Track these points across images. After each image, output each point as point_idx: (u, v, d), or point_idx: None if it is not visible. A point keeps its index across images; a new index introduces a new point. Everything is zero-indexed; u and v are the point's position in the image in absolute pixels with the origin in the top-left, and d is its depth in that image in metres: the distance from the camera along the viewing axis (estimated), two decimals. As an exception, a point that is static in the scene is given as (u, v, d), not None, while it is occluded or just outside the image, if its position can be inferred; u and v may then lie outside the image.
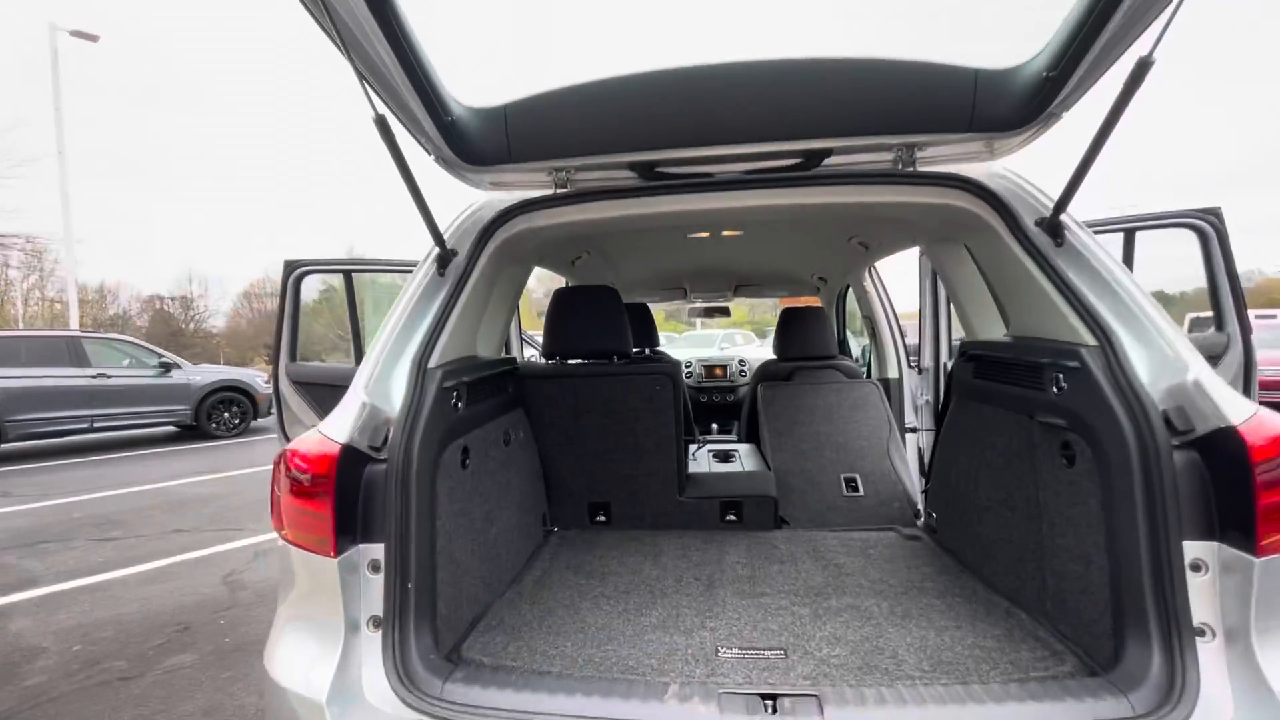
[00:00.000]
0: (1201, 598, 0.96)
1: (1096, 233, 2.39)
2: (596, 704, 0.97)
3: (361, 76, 1.16)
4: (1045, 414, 1.29)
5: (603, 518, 2.09)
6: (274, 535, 1.16)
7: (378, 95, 1.22)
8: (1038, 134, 1.38)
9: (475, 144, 1.39)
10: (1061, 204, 1.28)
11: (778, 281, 3.92)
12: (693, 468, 2.45)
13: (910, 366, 2.89)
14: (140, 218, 51.83)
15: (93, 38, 14.10)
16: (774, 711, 0.96)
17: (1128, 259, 2.46)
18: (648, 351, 3.25)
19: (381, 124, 1.20)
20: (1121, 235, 2.39)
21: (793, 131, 1.37)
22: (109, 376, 8.87)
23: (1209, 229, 2.18)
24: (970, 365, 1.66)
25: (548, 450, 2.00)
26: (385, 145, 1.22)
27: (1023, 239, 1.32)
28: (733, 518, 2.08)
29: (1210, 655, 0.94)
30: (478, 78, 1.33)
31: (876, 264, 2.96)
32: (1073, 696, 0.95)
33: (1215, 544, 0.97)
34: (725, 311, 4.95)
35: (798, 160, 1.45)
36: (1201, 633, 0.95)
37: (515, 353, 2.89)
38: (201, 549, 4.33)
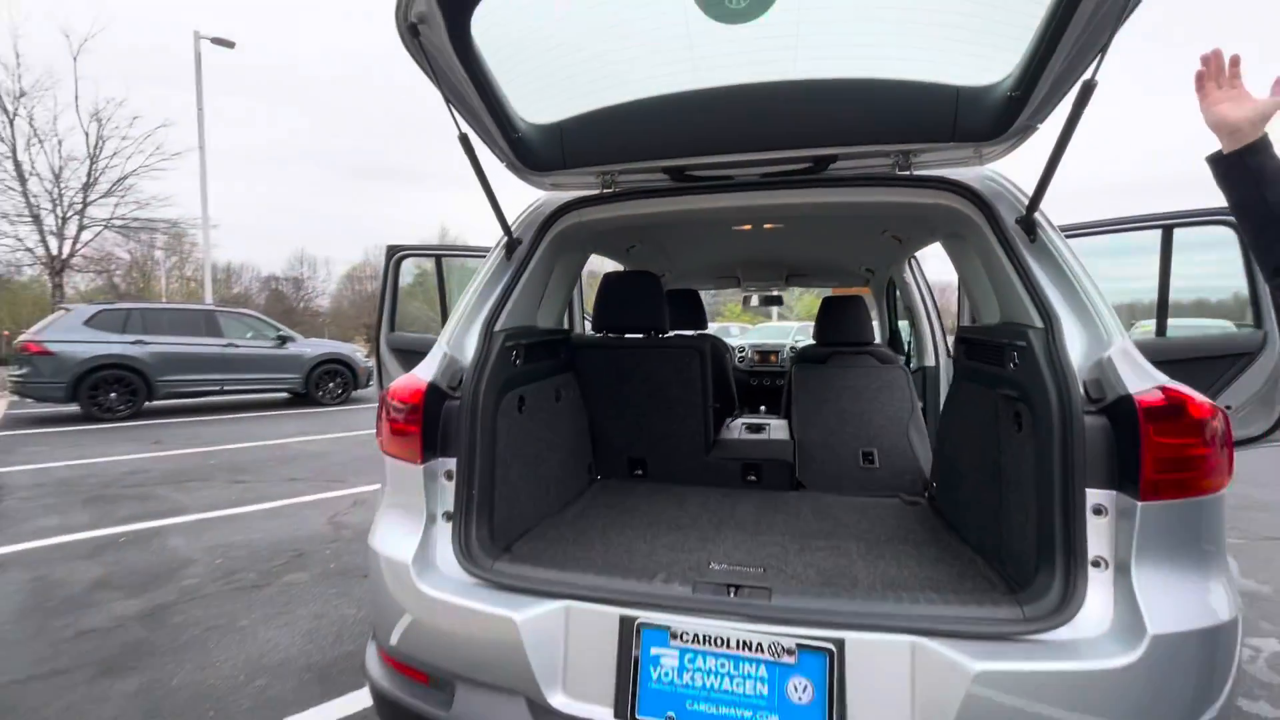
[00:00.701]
0: (1100, 535, 1.13)
1: (1129, 230, 2.45)
2: (603, 580, 1.28)
3: (447, 100, 1.50)
4: (1004, 388, 1.46)
5: (640, 471, 2.40)
6: (370, 488, 1.54)
7: (461, 116, 1.57)
8: (1019, 142, 1.54)
9: (537, 153, 1.72)
10: (1033, 206, 1.45)
11: (826, 272, 4.06)
12: (726, 435, 2.72)
13: (949, 355, 2.99)
14: (263, 204, 57.10)
15: (229, 44, 15.76)
16: (732, 595, 1.22)
17: (1165, 257, 2.47)
18: (693, 332, 3.52)
19: (464, 140, 1.55)
20: (1160, 233, 2.41)
21: (800, 140, 1.61)
22: (236, 346, 10.08)
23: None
24: (963, 348, 1.83)
25: (594, 409, 2.32)
26: (467, 158, 1.57)
27: (1001, 235, 1.49)
28: (753, 478, 2.33)
29: (1100, 581, 1.11)
30: (538, 100, 1.65)
31: (918, 255, 3.08)
32: (977, 604, 1.15)
33: (1114, 492, 1.14)
34: (779, 300, 5.10)
35: (807, 165, 1.69)
36: (1097, 564, 1.13)
37: (579, 327, 3.23)
38: (311, 495, 5.02)
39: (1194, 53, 1.22)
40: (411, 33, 1.33)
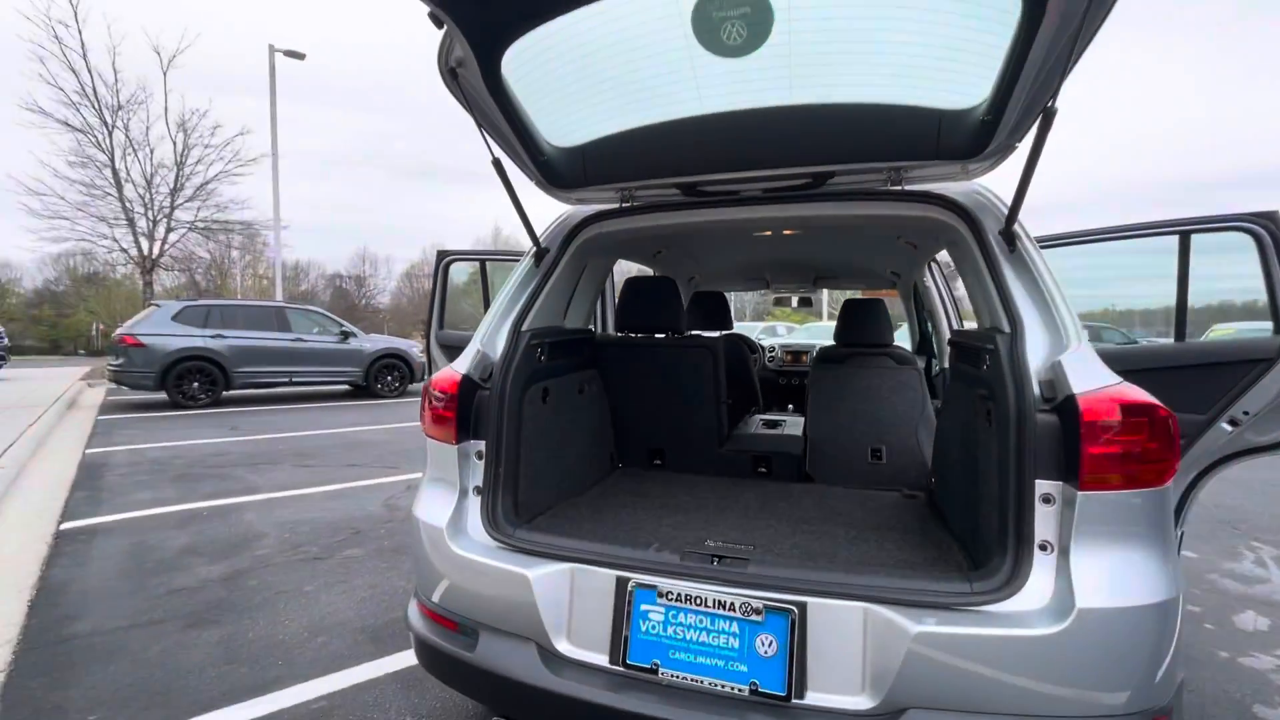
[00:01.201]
0: (1047, 522, 1.24)
1: (1149, 235, 2.48)
2: (604, 548, 1.46)
3: (481, 130, 1.73)
4: (980, 387, 1.57)
5: (659, 461, 2.57)
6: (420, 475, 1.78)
7: (495, 142, 1.79)
8: (1001, 159, 1.64)
9: (562, 173, 1.92)
10: (1010, 219, 1.55)
11: (852, 275, 4.13)
12: (743, 430, 2.86)
13: None
14: (329, 204, 60.00)
15: (300, 56, 16.75)
16: (715, 564, 1.39)
17: (1183, 263, 2.47)
18: (715, 333, 3.69)
19: (497, 164, 1.77)
20: (1177, 240, 2.41)
21: (798, 159, 1.75)
22: (303, 341, 10.79)
23: (1264, 234, 2.18)
24: (954, 351, 1.93)
25: (616, 403, 2.52)
26: (500, 180, 1.79)
27: (983, 246, 1.60)
28: (763, 470, 2.47)
29: (1045, 562, 1.22)
30: (562, 126, 1.85)
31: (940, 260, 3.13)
32: (933, 580, 1.28)
33: (1060, 483, 1.24)
34: (807, 302, 5.19)
35: (806, 180, 1.83)
36: (1044, 547, 1.24)
37: (609, 327, 3.44)
38: (369, 479, 5.42)
39: None
40: (451, 75, 1.56)
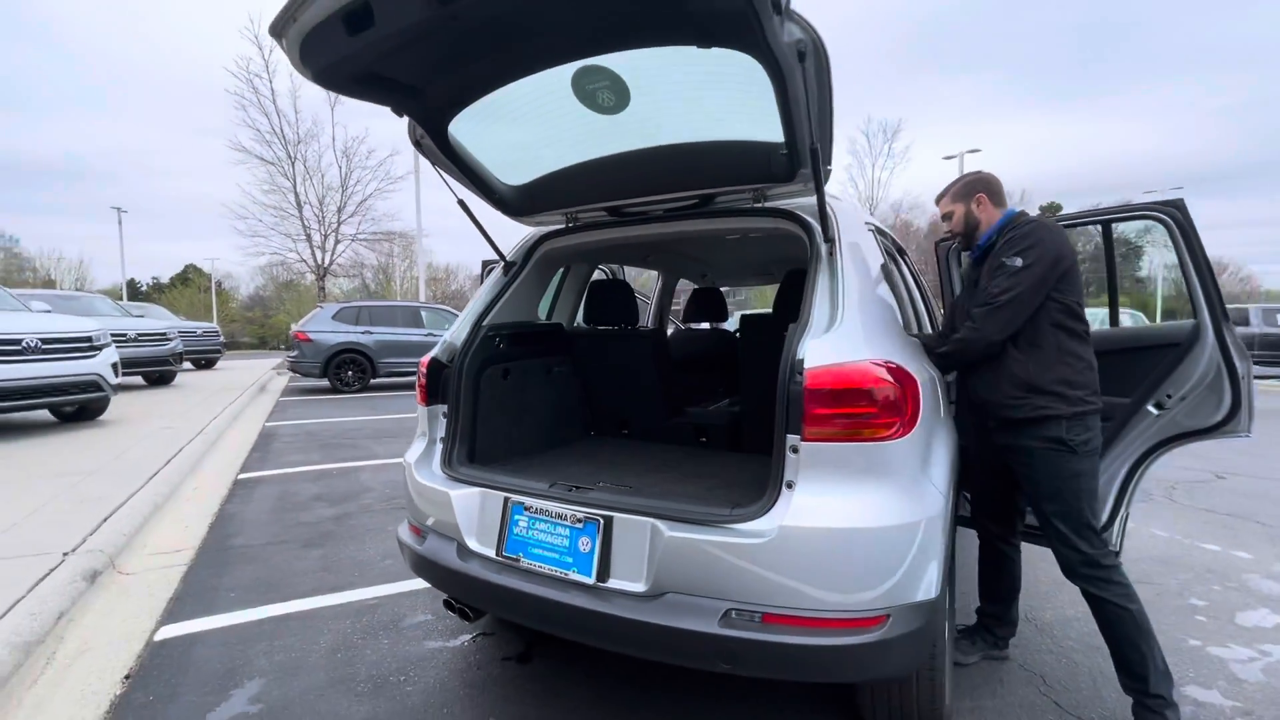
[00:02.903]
0: (794, 467, 1.60)
1: (1073, 225, 2.61)
2: (503, 478, 1.98)
3: (444, 180, 2.35)
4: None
5: (626, 431, 3.06)
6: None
7: (462, 185, 2.41)
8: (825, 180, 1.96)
9: (515, 204, 2.48)
10: (825, 228, 1.88)
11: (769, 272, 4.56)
12: (708, 407, 3.28)
13: None
14: (480, 209, 65.48)
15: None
16: (571, 491, 1.90)
17: (1109, 250, 2.50)
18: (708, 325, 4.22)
19: (462, 204, 2.40)
20: (1100, 229, 2.45)
21: (684, 185, 2.19)
22: (434, 336, 12.41)
23: (1171, 221, 2.20)
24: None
25: (590, 381, 3.05)
26: (466, 216, 2.41)
27: (814, 250, 1.94)
28: (704, 440, 2.89)
29: (787, 496, 1.58)
30: (509, 170, 2.43)
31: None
32: (705, 506, 1.68)
33: (798, 437, 1.61)
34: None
35: (695, 201, 2.25)
36: (789, 485, 1.61)
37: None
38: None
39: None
40: (417, 145, 2.21)
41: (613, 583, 1.72)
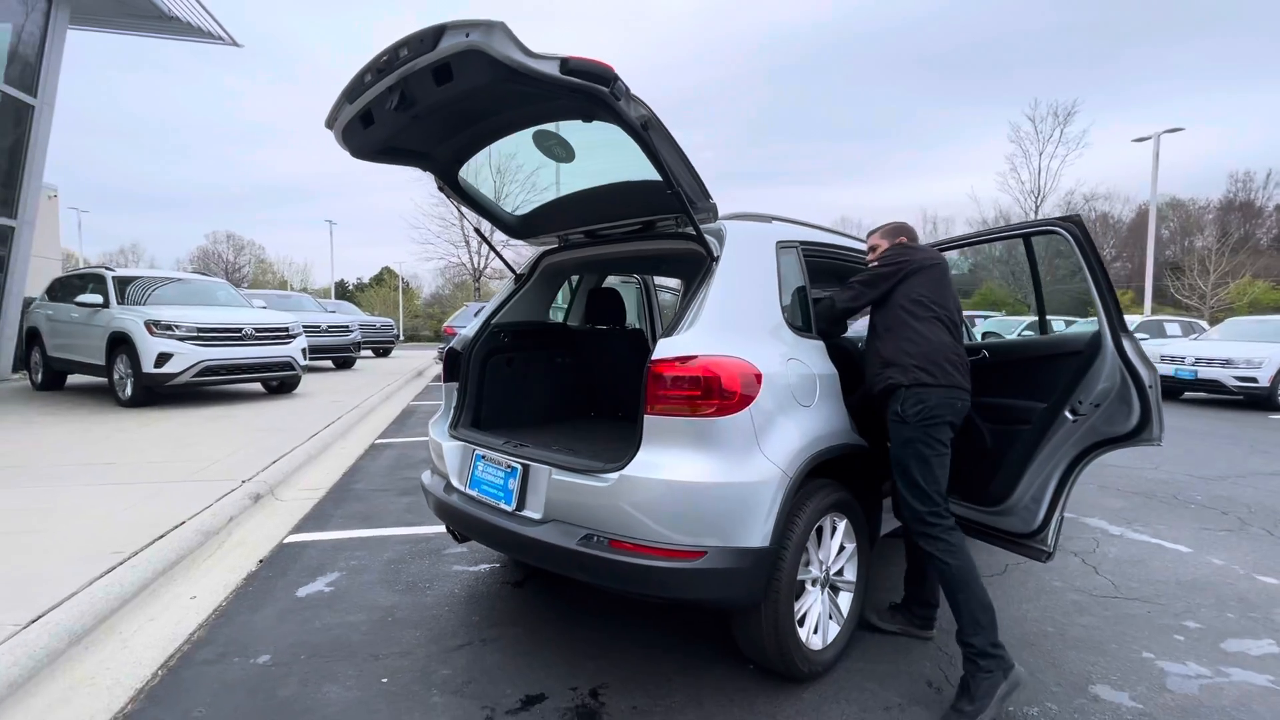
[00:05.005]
0: (643, 434, 2.11)
1: (978, 242, 2.81)
2: (476, 436, 2.71)
3: (461, 214, 3.13)
4: None
5: (621, 414, 3.65)
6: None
7: (476, 217, 3.17)
8: (711, 214, 2.38)
9: (518, 229, 3.18)
10: (708, 251, 2.33)
11: None
12: None
13: None
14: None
15: (576, 98, 20.44)
16: (515, 446, 2.53)
17: (1032, 261, 2.58)
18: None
19: (478, 231, 3.17)
20: (1022, 241, 2.54)
21: (628, 214, 2.75)
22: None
23: (1068, 235, 2.28)
24: None
25: (592, 369, 3.68)
26: (484, 242, 3.18)
27: (708, 268, 2.40)
28: None
29: (636, 455, 2.10)
30: (512, 202, 3.15)
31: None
32: (589, 459, 2.22)
33: (646, 412, 2.10)
34: None
35: (640, 226, 2.79)
36: (639, 446, 2.09)
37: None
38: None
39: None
40: (440, 190, 3.01)
41: (525, 512, 2.36)
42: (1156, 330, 14.00)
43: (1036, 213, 29.11)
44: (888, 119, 77.51)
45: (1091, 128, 41.52)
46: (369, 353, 18.01)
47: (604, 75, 1.84)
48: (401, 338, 30.86)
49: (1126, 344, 2.27)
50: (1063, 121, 29.92)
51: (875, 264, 2.50)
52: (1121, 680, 2.42)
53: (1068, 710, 2.21)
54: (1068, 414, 2.50)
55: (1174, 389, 11.31)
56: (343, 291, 53.08)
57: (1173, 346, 11.81)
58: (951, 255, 2.97)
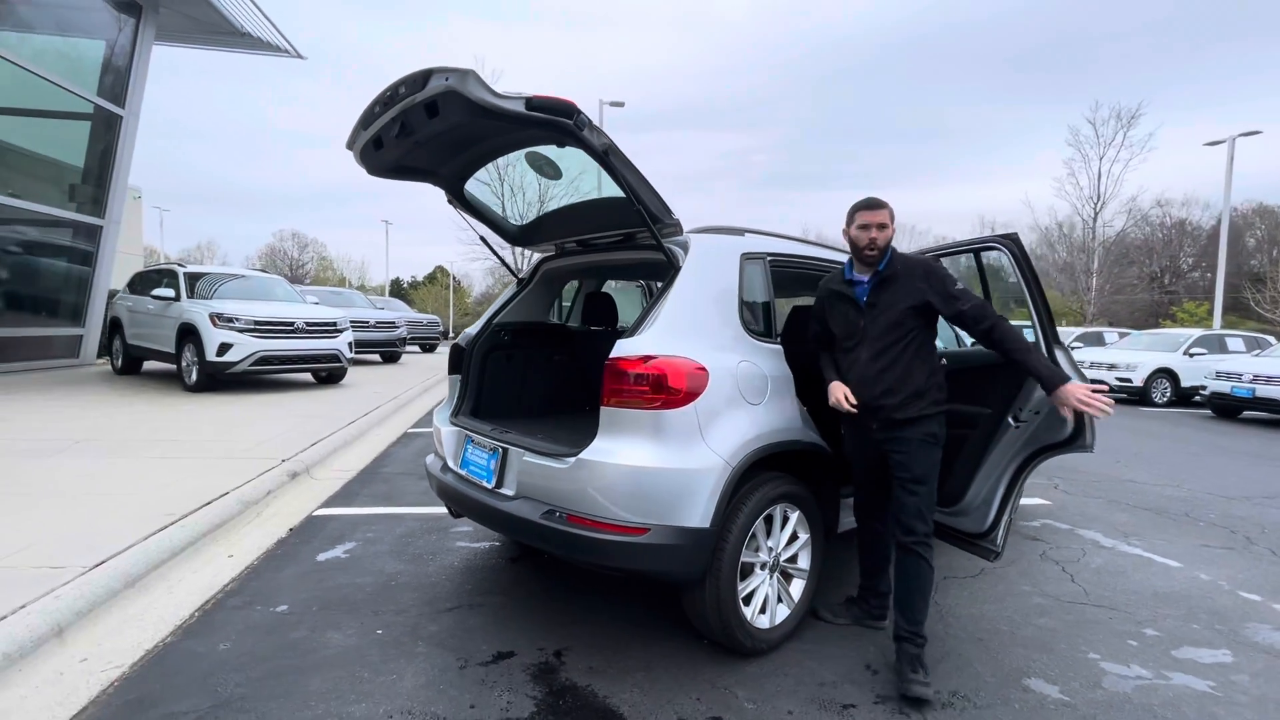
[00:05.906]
0: (600, 423, 2.37)
1: (937, 256, 2.98)
2: (470, 423, 3.04)
3: (468, 223, 3.47)
4: None
5: None
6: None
7: (481, 226, 3.51)
8: (674, 230, 2.62)
9: (519, 238, 3.49)
10: (670, 262, 2.58)
11: None
12: None
13: None
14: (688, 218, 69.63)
15: (620, 104, 20.86)
16: (501, 433, 2.83)
17: (982, 275, 2.71)
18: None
19: (484, 240, 3.51)
20: (972, 257, 2.67)
21: (610, 226, 3.02)
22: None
23: (1007, 251, 2.42)
24: None
25: (586, 367, 3.96)
26: (491, 252, 3.51)
27: (672, 274, 2.64)
28: None
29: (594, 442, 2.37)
30: (512, 212, 3.48)
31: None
32: (559, 445, 2.50)
33: (604, 403, 2.35)
34: None
35: (621, 238, 3.06)
36: (597, 434, 2.37)
37: None
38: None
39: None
40: (450, 203, 3.36)
41: (502, 489, 2.66)
42: (1217, 345, 13.30)
43: (1095, 219, 27.85)
44: (947, 121, 75.46)
45: (1160, 130, 39.27)
46: (415, 348, 18.84)
47: (565, 110, 2.13)
48: (451, 334, 32.01)
49: (1059, 354, 2.41)
50: (1126, 124, 28.31)
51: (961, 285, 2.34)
52: (1057, 675, 2.52)
53: (993, 698, 2.35)
54: (1010, 420, 2.65)
55: (1230, 407, 10.81)
56: (398, 289, 55.19)
57: (1230, 363, 11.25)
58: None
